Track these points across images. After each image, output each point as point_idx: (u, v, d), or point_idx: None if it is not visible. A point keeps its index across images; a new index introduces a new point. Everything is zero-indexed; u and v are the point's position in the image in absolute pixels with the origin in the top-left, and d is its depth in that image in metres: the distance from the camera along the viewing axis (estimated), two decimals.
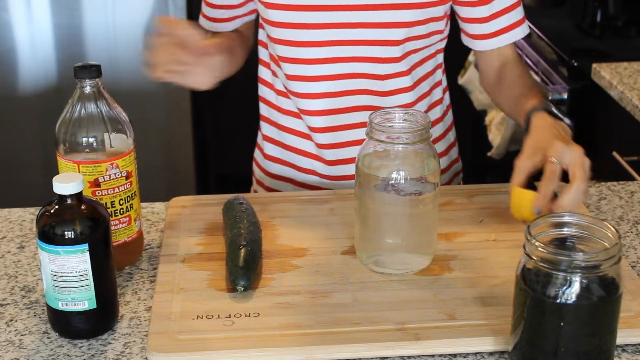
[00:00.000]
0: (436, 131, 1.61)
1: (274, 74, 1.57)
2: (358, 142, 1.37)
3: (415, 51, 1.51)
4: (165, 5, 2.94)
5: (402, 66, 1.50)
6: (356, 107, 1.52)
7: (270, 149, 1.62)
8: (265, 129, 1.62)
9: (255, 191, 1.68)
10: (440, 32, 1.53)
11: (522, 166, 1.27)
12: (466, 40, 1.55)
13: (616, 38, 2.62)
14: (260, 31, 1.59)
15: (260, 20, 1.55)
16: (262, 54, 1.60)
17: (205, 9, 1.60)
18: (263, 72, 1.60)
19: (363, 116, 1.48)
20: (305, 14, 1.46)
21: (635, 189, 1.53)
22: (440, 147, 1.62)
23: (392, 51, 1.48)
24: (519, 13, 1.51)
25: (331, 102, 1.51)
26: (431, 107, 1.59)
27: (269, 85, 1.59)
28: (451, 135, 1.66)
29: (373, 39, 1.46)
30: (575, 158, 1.25)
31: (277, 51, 1.51)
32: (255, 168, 1.69)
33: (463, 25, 1.53)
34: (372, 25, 1.46)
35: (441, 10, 1.48)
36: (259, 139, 1.67)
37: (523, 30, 1.53)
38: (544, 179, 1.23)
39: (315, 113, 1.52)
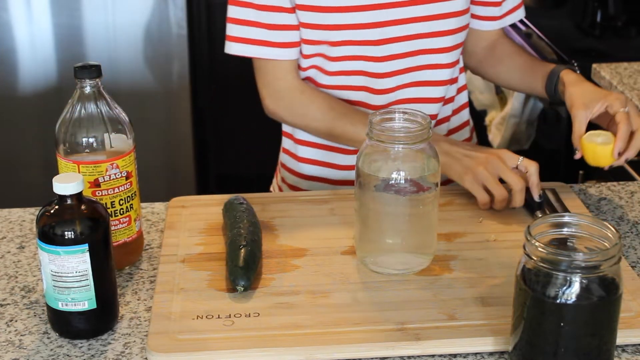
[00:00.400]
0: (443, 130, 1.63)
1: (308, 78, 1.54)
2: None
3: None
4: (165, 5, 2.94)
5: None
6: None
7: (304, 152, 1.60)
8: (299, 133, 1.59)
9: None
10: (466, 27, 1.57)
11: (583, 115, 1.37)
12: (472, 22, 1.59)
13: (616, 38, 2.61)
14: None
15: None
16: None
17: (277, 36, 1.47)
18: None
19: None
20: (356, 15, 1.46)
21: (635, 189, 1.53)
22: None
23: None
24: None
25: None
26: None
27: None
28: (465, 132, 1.68)
29: (425, 48, 1.50)
30: (635, 111, 1.34)
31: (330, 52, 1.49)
32: (285, 174, 1.65)
33: (474, 9, 1.57)
34: (423, 36, 1.49)
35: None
36: (287, 145, 1.64)
37: (523, 11, 1.63)
38: (620, 124, 1.33)
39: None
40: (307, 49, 1.49)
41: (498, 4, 1.58)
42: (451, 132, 1.63)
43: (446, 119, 1.61)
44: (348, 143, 1.51)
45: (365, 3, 1.45)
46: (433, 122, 1.57)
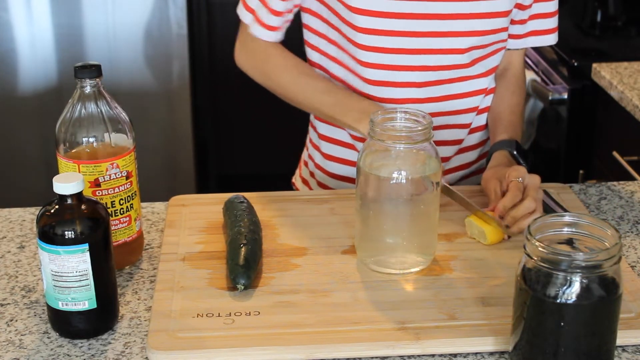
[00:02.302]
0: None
1: (333, 76, 1.55)
2: None
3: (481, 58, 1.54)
4: (166, 5, 2.94)
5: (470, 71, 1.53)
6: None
7: (329, 149, 1.61)
8: (320, 127, 1.61)
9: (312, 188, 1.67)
10: (504, 40, 1.55)
11: (494, 185, 1.36)
12: None
13: (616, 38, 2.61)
14: (307, 33, 1.56)
15: (310, 24, 1.55)
16: (314, 56, 1.57)
17: (274, 20, 1.52)
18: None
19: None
20: (392, 22, 1.45)
21: (635, 189, 1.53)
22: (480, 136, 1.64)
23: (459, 59, 1.50)
24: (553, 22, 1.58)
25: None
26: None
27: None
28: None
29: (439, 47, 1.48)
30: (535, 180, 1.33)
31: (358, 56, 1.49)
32: (314, 169, 1.66)
33: None
34: (441, 35, 1.47)
35: (507, 21, 1.51)
36: (314, 138, 1.65)
37: (553, 38, 1.60)
38: (509, 190, 1.31)
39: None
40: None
41: (523, 22, 1.55)
42: (483, 142, 1.63)
43: (483, 127, 1.61)
44: (314, 112, 1.54)
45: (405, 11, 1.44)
46: (466, 131, 1.58)
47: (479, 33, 1.47)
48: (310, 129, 1.67)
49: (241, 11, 1.55)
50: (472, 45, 1.48)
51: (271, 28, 1.52)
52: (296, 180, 1.74)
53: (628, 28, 2.64)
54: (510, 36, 1.56)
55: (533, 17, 1.55)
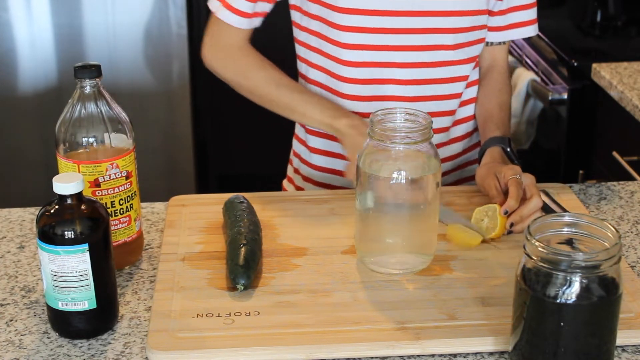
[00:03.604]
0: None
1: (322, 70, 1.56)
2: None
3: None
4: (166, 5, 2.94)
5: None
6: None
7: (315, 142, 1.62)
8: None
9: (301, 189, 1.68)
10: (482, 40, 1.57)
11: (488, 184, 1.37)
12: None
13: (616, 38, 2.61)
14: (297, 30, 1.58)
15: (300, 22, 1.55)
16: (302, 52, 1.58)
17: (243, 4, 1.51)
18: (302, 68, 1.61)
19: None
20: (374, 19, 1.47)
21: (635, 189, 1.53)
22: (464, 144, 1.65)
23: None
24: (532, 13, 1.58)
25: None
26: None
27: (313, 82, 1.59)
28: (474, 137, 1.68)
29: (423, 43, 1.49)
30: (531, 179, 1.35)
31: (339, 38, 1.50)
32: (299, 164, 1.67)
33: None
34: (422, 32, 1.48)
35: (486, 18, 1.53)
36: (301, 134, 1.65)
37: (533, 30, 1.60)
38: (511, 187, 1.32)
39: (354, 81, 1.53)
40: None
41: (502, 13, 1.56)
42: (469, 134, 1.63)
43: (469, 118, 1.61)
44: (281, 112, 1.53)
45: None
46: (450, 119, 1.58)
47: (462, 13, 1.48)
48: (298, 125, 1.67)
49: (215, 5, 1.53)
50: (458, 27, 1.49)
51: (240, 13, 1.50)
52: (284, 182, 1.75)
53: (628, 28, 2.64)
54: (491, 29, 1.57)
55: (512, 9, 1.56)
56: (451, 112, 1.57)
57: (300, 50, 1.59)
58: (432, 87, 1.53)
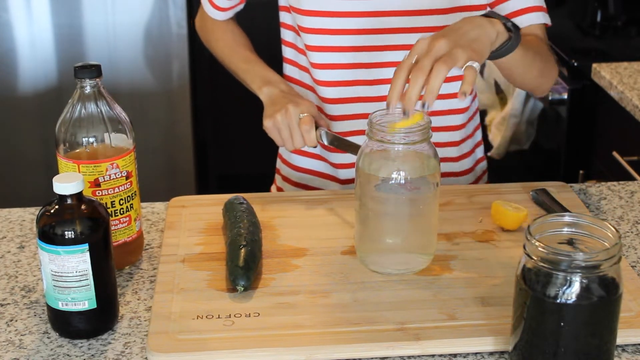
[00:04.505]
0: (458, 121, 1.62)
1: (303, 68, 1.59)
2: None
3: None
4: (165, 5, 2.94)
5: None
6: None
7: None
8: None
9: (281, 189, 1.69)
10: None
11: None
12: None
13: (616, 38, 2.62)
14: (284, 31, 1.61)
15: (287, 22, 1.58)
16: (288, 52, 1.62)
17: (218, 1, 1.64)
18: (287, 70, 1.63)
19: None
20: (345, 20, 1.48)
21: (635, 189, 1.53)
22: (466, 146, 1.64)
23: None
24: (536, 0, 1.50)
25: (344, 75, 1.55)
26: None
27: (298, 83, 1.61)
28: (478, 134, 1.68)
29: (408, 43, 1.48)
30: (420, 48, 1.17)
31: (306, 41, 1.53)
32: (280, 165, 1.70)
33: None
34: (408, 31, 1.48)
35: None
36: None
37: (540, 16, 1.50)
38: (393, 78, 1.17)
39: (329, 84, 1.55)
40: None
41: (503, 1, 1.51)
42: (465, 139, 1.63)
43: (462, 126, 1.61)
44: (238, 78, 1.63)
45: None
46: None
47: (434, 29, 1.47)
48: None
49: None
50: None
51: (219, 8, 1.64)
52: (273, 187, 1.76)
53: (628, 28, 2.64)
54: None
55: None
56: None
57: (285, 51, 1.64)
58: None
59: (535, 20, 1.52)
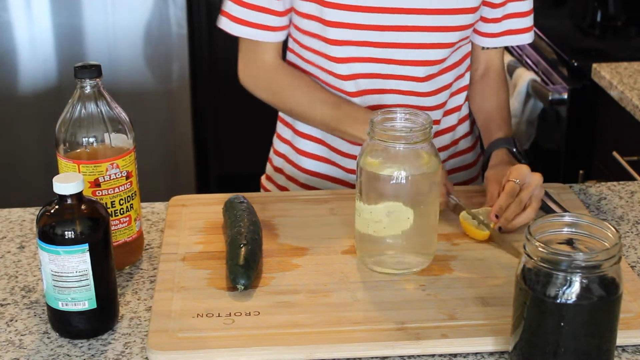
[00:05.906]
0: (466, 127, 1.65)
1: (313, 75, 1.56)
2: None
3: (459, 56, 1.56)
4: (165, 5, 2.94)
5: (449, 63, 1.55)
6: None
7: (305, 145, 1.61)
8: (299, 125, 1.61)
9: (285, 188, 1.68)
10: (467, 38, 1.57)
11: (495, 189, 1.37)
12: (475, 38, 1.59)
13: (616, 38, 2.62)
14: (290, 32, 1.57)
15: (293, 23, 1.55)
16: (291, 57, 1.59)
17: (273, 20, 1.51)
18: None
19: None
20: (362, 15, 1.46)
21: (635, 189, 1.53)
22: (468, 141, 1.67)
23: (443, 53, 1.51)
24: (529, 21, 1.58)
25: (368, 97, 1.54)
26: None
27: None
28: (476, 130, 1.69)
29: (427, 42, 1.49)
30: (537, 180, 1.34)
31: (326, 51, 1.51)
32: (283, 164, 1.67)
33: (476, 25, 1.56)
34: (427, 29, 1.48)
35: (474, 17, 1.53)
36: (287, 135, 1.65)
37: (529, 37, 1.59)
38: (503, 194, 1.32)
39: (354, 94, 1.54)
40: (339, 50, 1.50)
41: (497, 21, 1.55)
42: (455, 142, 1.63)
43: (451, 128, 1.62)
44: (321, 129, 1.55)
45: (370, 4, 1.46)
46: (435, 128, 1.58)
47: (447, 29, 1.48)
48: (281, 124, 1.67)
49: (237, 27, 1.51)
50: (441, 42, 1.49)
51: (271, 28, 1.51)
52: (263, 179, 1.74)
53: (628, 28, 2.64)
54: (486, 35, 1.57)
55: (507, 16, 1.55)
56: (442, 105, 1.58)
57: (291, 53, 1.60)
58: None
59: (525, 41, 1.60)
